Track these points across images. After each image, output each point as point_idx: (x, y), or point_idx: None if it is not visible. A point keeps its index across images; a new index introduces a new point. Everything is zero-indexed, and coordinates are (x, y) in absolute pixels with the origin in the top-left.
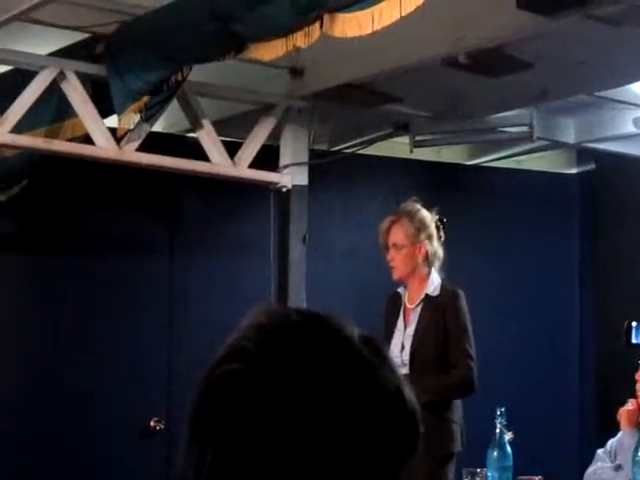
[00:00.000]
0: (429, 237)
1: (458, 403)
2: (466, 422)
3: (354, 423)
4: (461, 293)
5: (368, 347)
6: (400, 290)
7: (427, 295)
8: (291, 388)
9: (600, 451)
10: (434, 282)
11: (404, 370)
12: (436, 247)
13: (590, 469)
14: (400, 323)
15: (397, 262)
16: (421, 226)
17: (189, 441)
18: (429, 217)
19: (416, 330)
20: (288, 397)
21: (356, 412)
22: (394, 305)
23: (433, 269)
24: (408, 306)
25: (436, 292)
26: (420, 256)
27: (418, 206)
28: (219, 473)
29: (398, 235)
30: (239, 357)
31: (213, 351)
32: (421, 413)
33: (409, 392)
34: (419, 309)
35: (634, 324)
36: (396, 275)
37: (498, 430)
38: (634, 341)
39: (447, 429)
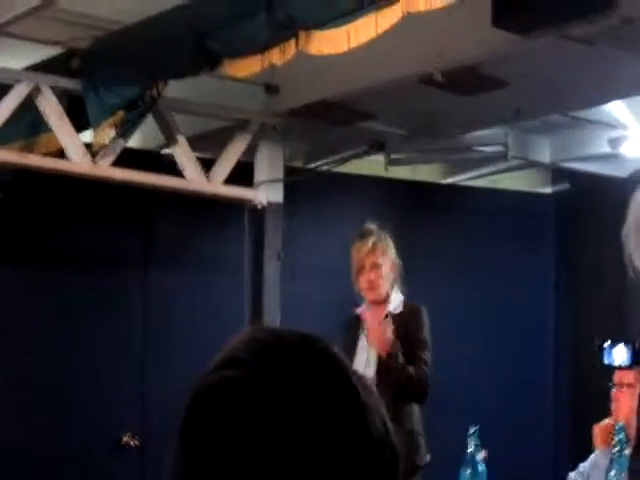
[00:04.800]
0: (395, 256)
1: (418, 414)
2: (439, 439)
3: (341, 446)
4: (424, 309)
5: (357, 376)
6: (360, 311)
7: (389, 313)
8: (284, 400)
9: (572, 474)
10: (395, 300)
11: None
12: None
13: None
14: (363, 342)
15: (379, 282)
16: (391, 246)
17: (179, 451)
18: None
19: None
20: (280, 408)
21: (344, 437)
22: (354, 328)
23: (395, 287)
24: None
25: (399, 309)
26: (392, 275)
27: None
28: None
29: (380, 255)
30: (233, 365)
31: (187, 366)
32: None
33: (394, 432)
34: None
35: (606, 345)
36: (375, 295)
37: (471, 449)
38: (606, 362)
39: (411, 441)
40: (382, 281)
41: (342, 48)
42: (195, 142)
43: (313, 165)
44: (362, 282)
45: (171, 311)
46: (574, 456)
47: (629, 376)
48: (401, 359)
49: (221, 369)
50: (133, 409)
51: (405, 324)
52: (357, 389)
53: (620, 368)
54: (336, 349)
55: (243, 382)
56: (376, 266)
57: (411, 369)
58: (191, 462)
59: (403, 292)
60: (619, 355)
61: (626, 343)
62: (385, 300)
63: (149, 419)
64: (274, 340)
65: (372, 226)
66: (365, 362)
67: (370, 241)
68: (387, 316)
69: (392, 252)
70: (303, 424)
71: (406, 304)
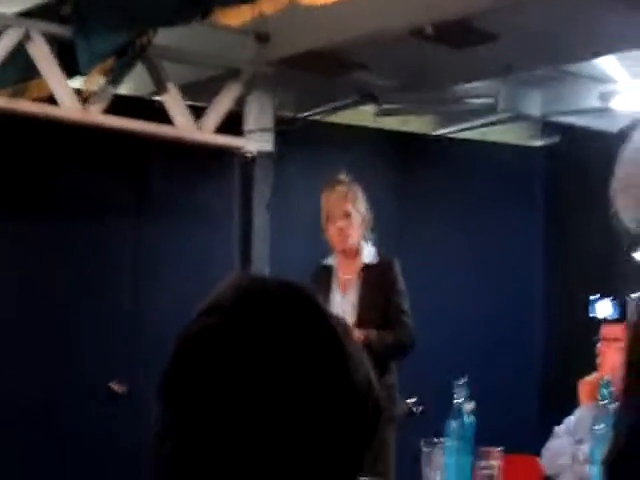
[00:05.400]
0: (367, 209)
1: (394, 367)
2: (425, 391)
3: (322, 393)
4: (396, 261)
5: (341, 325)
6: (328, 263)
7: (365, 264)
8: (264, 346)
9: (557, 428)
10: (370, 251)
11: None
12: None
13: (548, 444)
14: (336, 294)
15: (352, 231)
16: (362, 198)
17: (161, 403)
18: None
19: (360, 298)
20: (260, 355)
21: (325, 383)
22: (323, 278)
23: (367, 240)
24: (343, 276)
25: (374, 260)
26: (364, 225)
27: None
28: (189, 429)
29: (350, 203)
30: (216, 312)
31: (177, 315)
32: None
33: (375, 380)
34: (357, 278)
35: (591, 298)
36: (345, 244)
37: (459, 400)
38: (590, 314)
39: (390, 394)
40: (352, 230)
41: None
42: (186, 90)
43: (304, 115)
44: (331, 230)
45: (162, 259)
46: (561, 408)
47: (616, 330)
48: (375, 336)
49: (203, 316)
50: (123, 357)
51: (382, 276)
52: (340, 338)
53: (606, 321)
54: (320, 298)
55: (224, 328)
56: (346, 215)
57: (390, 337)
58: (173, 409)
59: (374, 243)
60: (604, 309)
61: (612, 298)
62: (356, 253)
63: (139, 367)
64: (257, 287)
65: (343, 176)
66: (341, 314)
67: (340, 189)
68: (364, 268)
69: (363, 204)
70: (283, 371)
71: (380, 257)
